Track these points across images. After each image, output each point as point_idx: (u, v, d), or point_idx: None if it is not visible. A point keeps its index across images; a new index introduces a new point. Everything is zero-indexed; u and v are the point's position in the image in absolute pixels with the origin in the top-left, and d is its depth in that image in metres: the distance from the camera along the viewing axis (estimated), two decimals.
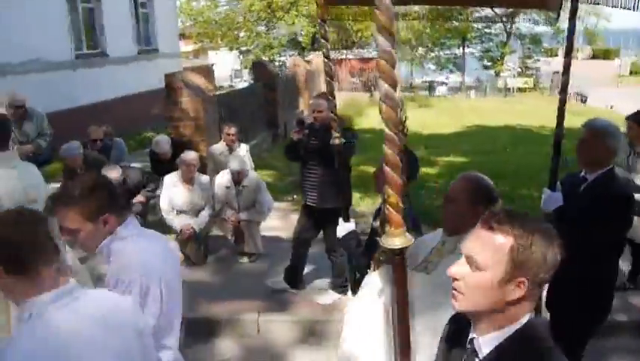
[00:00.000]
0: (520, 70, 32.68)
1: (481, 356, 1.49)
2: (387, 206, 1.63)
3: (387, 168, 1.59)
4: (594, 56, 41.98)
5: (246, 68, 33.06)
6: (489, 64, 34.48)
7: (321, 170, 4.72)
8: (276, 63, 26.94)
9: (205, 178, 5.98)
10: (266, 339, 4.52)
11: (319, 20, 3.19)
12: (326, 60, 3.19)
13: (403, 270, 1.70)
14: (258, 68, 12.99)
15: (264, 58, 28.58)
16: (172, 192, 5.77)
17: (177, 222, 5.69)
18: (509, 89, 28.15)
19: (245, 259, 5.80)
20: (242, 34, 32.04)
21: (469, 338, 1.53)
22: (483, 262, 1.43)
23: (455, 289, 1.48)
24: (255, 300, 4.87)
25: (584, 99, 23.51)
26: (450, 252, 2.43)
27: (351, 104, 19.35)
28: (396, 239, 1.63)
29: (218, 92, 10.59)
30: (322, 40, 3.13)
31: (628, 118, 5.11)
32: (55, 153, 6.47)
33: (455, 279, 1.47)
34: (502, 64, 33.24)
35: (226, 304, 4.82)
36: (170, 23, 17.35)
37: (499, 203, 2.47)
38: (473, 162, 10.75)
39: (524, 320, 1.46)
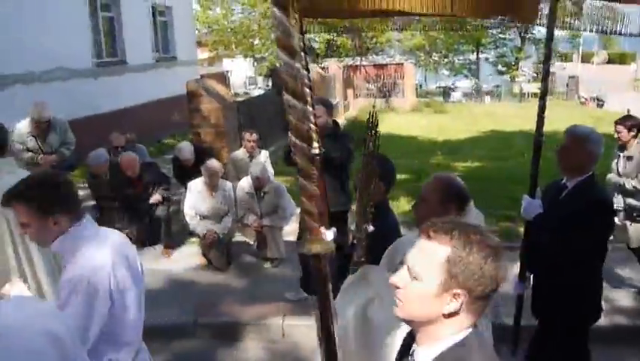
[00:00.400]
0: (535, 75, 32.49)
1: None
2: (304, 214, 1.62)
3: (300, 179, 1.60)
4: (610, 61, 41.57)
5: (260, 75, 33.29)
6: (503, 69, 34.35)
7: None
8: None
9: (228, 185, 6.07)
10: (291, 343, 4.57)
11: (300, 34, 3.24)
12: (305, 72, 3.26)
13: (324, 276, 1.68)
14: (276, 75, 13.10)
15: (277, 65, 28.78)
16: (196, 198, 5.87)
17: (201, 227, 5.79)
18: (524, 94, 27.99)
19: (268, 264, 5.87)
20: (256, 41, 32.28)
21: (412, 349, 1.50)
22: (419, 271, 1.39)
23: (397, 298, 1.44)
24: (279, 304, 4.94)
25: (600, 104, 23.35)
26: None
27: (367, 110, 19.39)
28: (313, 246, 1.64)
29: (236, 99, 10.70)
30: (302, 53, 3.18)
31: (617, 122, 5.14)
32: (79, 159, 6.63)
33: (397, 287, 1.43)
34: (517, 69, 33.10)
35: (250, 309, 4.89)
36: (188, 31, 17.58)
37: (470, 203, 2.49)
38: (490, 168, 10.75)
39: (463, 334, 1.40)
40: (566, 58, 38.12)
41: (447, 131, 15.71)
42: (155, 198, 6.18)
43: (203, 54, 30.54)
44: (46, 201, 2.14)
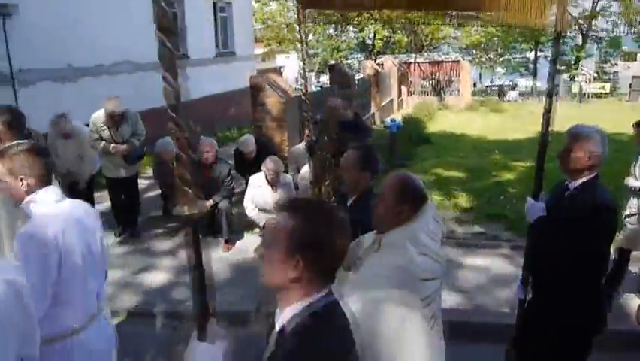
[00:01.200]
0: (596, 75, 31.35)
1: (277, 328, 1.61)
2: (179, 179, 1.69)
3: (176, 150, 1.67)
4: None
5: (312, 71, 33.51)
6: (563, 68, 33.28)
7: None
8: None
9: (288, 178, 6.21)
10: None
11: (297, 25, 3.31)
12: (302, 64, 3.33)
13: (197, 238, 1.72)
14: (334, 70, 13.19)
15: (331, 61, 28.85)
16: (257, 192, 6.05)
17: (260, 219, 5.96)
18: (585, 94, 27.07)
19: None
20: (310, 37, 32.47)
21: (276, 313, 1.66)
22: (269, 241, 1.60)
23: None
24: None
25: None
26: (375, 250, 2.48)
27: (421, 107, 19.26)
28: (185, 207, 1.69)
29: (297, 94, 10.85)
30: (297, 44, 3.26)
31: (635, 124, 4.92)
32: (148, 149, 6.91)
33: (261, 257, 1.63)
34: (577, 68, 32.01)
35: None
36: (246, 27, 17.89)
37: (426, 203, 2.48)
38: (550, 168, 10.50)
39: (310, 299, 1.56)
40: (629, 57, 36.59)
41: (503, 130, 15.40)
42: (208, 203, 6.32)
43: (257, 50, 31.03)
44: (21, 163, 2.44)
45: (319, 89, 19.93)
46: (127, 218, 6.74)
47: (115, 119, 6.19)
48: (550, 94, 3.17)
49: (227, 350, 1.74)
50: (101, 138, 6.24)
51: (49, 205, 2.47)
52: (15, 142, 2.57)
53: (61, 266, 2.39)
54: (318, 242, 1.53)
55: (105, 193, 6.91)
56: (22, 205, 2.48)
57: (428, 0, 2.97)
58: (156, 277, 5.59)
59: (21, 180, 2.44)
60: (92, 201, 6.16)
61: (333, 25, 30.40)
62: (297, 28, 3.27)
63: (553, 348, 2.92)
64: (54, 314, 2.40)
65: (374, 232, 2.58)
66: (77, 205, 2.63)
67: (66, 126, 6.11)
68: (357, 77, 14.66)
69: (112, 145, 6.26)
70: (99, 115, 6.24)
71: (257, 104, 8.10)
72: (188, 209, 1.72)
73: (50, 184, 2.54)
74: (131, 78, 11.07)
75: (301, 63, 3.34)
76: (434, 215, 2.56)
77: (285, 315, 1.59)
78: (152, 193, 8.12)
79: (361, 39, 32.23)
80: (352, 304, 2.23)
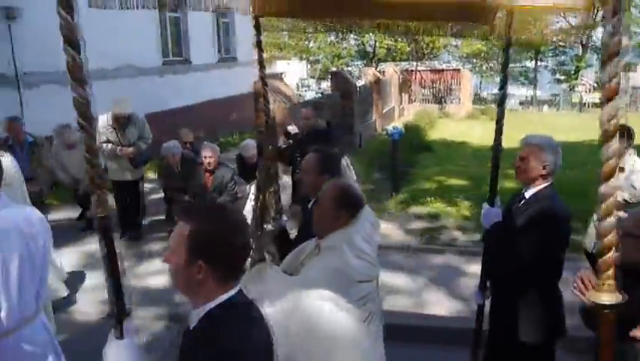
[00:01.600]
0: (596, 84, 31.46)
1: (191, 327, 1.66)
2: (89, 166, 1.86)
3: (86, 145, 1.82)
4: None
5: (312, 77, 33.57)
6: (562, 78, 33.43)
7: None
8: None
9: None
10: None
11: (254, 32, 3.40)
12: (261, 75, 3.46)
13: (111, 239, 1.81)
14: (336, 77, 13.23)
15: (332, 68, 28.93)
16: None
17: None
18: (584, 103, 27.18)
19: None
20: (311, 44, 32.59)
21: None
22: (172, 247, 1.62)
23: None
24: None
25: None
26: (315, 254, 2.59)
27: (422, 115, 19.31)
28: (99, 209, 1.78)
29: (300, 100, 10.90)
30: (257, 50, 3.39)
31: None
32: (154, 152, 6.96)
33: (169, 263, 1.64)
34: (577, 78, 32.16)
35: None
36: (248, 33, 17.91)
37: (362, 210, 2.60)
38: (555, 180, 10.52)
39: (217, 301, 1.60)
40: (629, 68, 36.71)
41: (503, 139, 15.43)
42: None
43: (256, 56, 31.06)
44: None
45: (320, 95, 20.00)
46: (130, 221, 6.76)
47: (121, 121, 6.23)
48: (502, 101, 3.26)
49: (139, 345, 1.83)
50: (108, 141, 6.28)
51: None
52: None
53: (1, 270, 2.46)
54: (216, 244, 1.57)
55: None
56: None
57: (377, 9, 3.00)
58: (157, 280, 5.60)
59: None
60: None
61: (334, 32, 30.52)
62: (255, 37, 3.39)
63: (518, 352, 2.98)
64: None
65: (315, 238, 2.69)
66: (18, 212, 2.69)
67: (70, 137, 6.16)
68: (358, 84, 14.72)
69: (119, 148, 6.31)
70: (105, 117, 6.28)
71: (259, 109, 8.11)
72: (101, 210, 1.81)
73: None
74: (133, 82, 11.10)
75: (260, 72, 3.50)
76: (372, 220, 2.68)
77: (193, 317, 1.65)
78: (155, 196, 8.15)
79: (362, 46, 32.35)
80: (288, 306, 2.38)
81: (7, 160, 4.07)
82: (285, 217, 3.53)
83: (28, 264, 2.60)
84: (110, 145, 6.27)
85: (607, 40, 1.59)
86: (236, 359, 1.55)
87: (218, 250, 1.58)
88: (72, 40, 1.68)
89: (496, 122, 3.21)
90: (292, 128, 6.66)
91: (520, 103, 28.43)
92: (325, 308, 2.41)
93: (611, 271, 1.66)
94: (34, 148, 6.54)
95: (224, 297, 1.61)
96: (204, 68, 14.26)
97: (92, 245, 6.38)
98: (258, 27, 3.32)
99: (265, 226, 3.27)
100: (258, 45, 3.35)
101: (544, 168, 2.93)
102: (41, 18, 9.13)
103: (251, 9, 3.29)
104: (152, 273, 5.78)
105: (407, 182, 9.99)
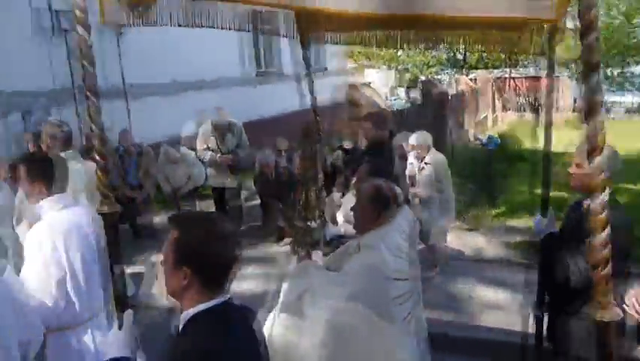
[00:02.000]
0: None
1: (180, 329, 1.73)
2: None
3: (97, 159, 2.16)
4: None
5: (401, 86, 33.23)
6: None
7: None
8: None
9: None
10: None
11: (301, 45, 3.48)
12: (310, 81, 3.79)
13: (117, 237, 2.24)
14: (427, 86, 13.02)
15: (421, 76, 28.47)
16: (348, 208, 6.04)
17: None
18: None
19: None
20: (400, 52, 32.30)
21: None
22: (164, 253, 1.71)
23: None
24: None
25: None
26: (355, 252, 2.71)
27: (517, 124, 18.55)
28: (105, 207, 2.20)
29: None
30: (303, 62, 3.55)
31: None
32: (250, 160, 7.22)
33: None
34: None
35: None
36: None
37: (402, 207, 2.72)
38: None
39: (202, 306, 1.67)
40: None
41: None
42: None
43: (348, 64, 31.30)
44: (37, 170, 2.84)
45: (409, 105, 19.76)
46: None
47: (221, 130, 6.48)
48: (549, 109, 3.26)
49: (136, 335, 1.99)
50: (208, 148, 6.55)
51: (54, 211, 2.80)
52: (34, 152, 2.98)
53: (64, 266, 2.69)
54: (200, 253, 1.65)
55: (207, 202, 7.26)
56: (37, 207, 2.82)
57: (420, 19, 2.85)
58: (248, 285, 5.66)
59: (35, 185, 2.82)
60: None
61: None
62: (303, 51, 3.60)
63: None
64: (62, 308, 2.73)
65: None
66: (79, 212, 2.92)
67: (175, 154, 6.56)
68: (450, 93, 14.38)
69: (218, 155, 6.57)
70: (207, 126, 6.59)
71: (352, 118, 8.10)
72: (109, 208, 2.11)
73: (63, 191, 2.88)
74: (228, 92, 11.50)
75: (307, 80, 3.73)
76: (410, 219, 2.79)
77: (180, 321, 1.74)
78: (251, 203, 8.37)
79: (452, 54, 31.64)
80: (330, 310, 2.52)
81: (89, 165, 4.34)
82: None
83: (90, 260, 2.84)
84: (210, 152, 6.53)
85: None
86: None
87: (202, 259, 1.65)
88: (87, 56, 1.99)
89: (545, 129, 3.16)
90: (347, 144, 6.64)
91: (627, 111, 26.54)
92: (362, 306, 2.52)
93: None
94: (141, 157, 7.01)
95: (209, 304, 1.68)
96: (295, 79, 14.51)
97: None
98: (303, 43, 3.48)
99: (309, 224, 3.59)
100: (305, 59, 3.44)
101: (601, 175, 2.73)
102: (144, 33, 9.72)
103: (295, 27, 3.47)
104: (244, 278, 5.87)
105: (503, 193, 9.58)
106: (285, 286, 2.94)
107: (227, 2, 2.73)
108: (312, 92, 3.82)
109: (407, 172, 6.01)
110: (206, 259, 1.66)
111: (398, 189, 2.84)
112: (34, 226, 2.78)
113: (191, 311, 1.68)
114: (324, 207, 3.67)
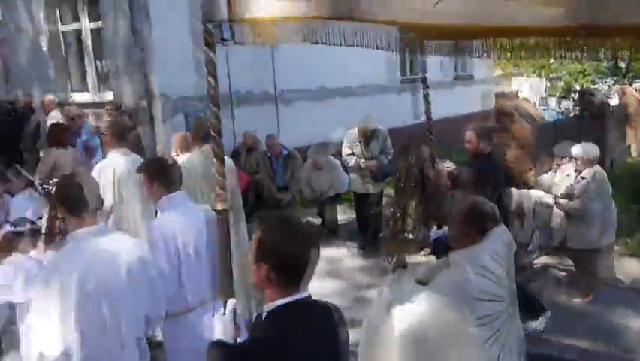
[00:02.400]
0: None
1: (262, 319, 1.88)
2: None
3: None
4: None
5: (552, 95, 31.19)
6: None
7: None
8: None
9: None
10: None
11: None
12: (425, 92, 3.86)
13: (227, 230, 2.59)
14: (584, 97, 12.09)
15: (576, 85, 26.50)
16: None
17: None
18: None
19: None
20: (551, 60, 30.37)
21: None
22: (251, 249, 1.87)
23: None
24: None
25: None
26: (446, 267, 2.73)
27: None
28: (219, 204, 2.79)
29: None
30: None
31: None
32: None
33: None
34: None
35: None
36: None
37: (496, 227, 2.68)
38: None
39: (279, 302, 1.81)
40: None
41: None
42: None
43: (495, 72, 30.12)
44: (152, 172, 3.23)
45: (561, 115, 18.48)
46: (369, 232, 7.02)
47: (366, 136, 6.58)
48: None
49: (240, 321, 2.16)
50: (353, 154, 6.68)
51: (174, 208, 3.16)
52: (156, 158, 3.46)
53: (180, 256, 3.01)
54: (277, 253, 1.78)
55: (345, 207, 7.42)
56: (157, 204, 3.24)
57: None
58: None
59: (154, 185, 3.19)
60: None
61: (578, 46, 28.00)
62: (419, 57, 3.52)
63: None
64: (175, 294, 3.05)
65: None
66: (197, 211, 3.24)
67: (321, 161, 6.82)
68: (611, 104, 13.19)
69: (362, 161, 6.67)
70: (353, 132, 6.72)
71: (501, 129, 7.79)
72: (222, 205, 2.48)
73: (178, 190, 3.22)
74: (374, 99, 11.66)
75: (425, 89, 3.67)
76: (505, 240, 2.73)
77: (264, 311, 1.88)
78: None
79: (614, 62, 29.05)
80: (419, 315, 2.62)
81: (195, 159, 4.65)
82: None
83: (200, 254, 3.13)
84: (354, 158, 6.65)
85: None
86: (273, 352, 1.72)
87: (279, 258, 1.79)
88: (212, 73, 2.65)
89: None
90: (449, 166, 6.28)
91: None
92: (444, 321, 2.59)
93: None
94: (289, 160, 7.36)
95: (285, 300, 1.81)
96: (440, 86, 14.28)
97: (332, 252, 6.81)
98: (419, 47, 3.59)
99: (406, 235, 3.74)
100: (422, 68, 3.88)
101: None
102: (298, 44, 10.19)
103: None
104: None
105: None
106: (378, 294, 3.09)
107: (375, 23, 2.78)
108: (426, 99, 3.88)
109: (563, 183, 5.65)
110: (281, 258, 1.79)
111: (494, 208, 2.81)
112: (153, 221, 3.25)
113: (271, 305, 1.83)
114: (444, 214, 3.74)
